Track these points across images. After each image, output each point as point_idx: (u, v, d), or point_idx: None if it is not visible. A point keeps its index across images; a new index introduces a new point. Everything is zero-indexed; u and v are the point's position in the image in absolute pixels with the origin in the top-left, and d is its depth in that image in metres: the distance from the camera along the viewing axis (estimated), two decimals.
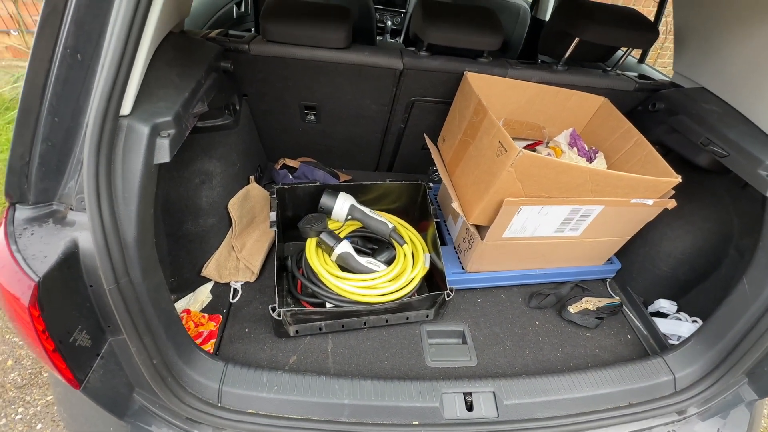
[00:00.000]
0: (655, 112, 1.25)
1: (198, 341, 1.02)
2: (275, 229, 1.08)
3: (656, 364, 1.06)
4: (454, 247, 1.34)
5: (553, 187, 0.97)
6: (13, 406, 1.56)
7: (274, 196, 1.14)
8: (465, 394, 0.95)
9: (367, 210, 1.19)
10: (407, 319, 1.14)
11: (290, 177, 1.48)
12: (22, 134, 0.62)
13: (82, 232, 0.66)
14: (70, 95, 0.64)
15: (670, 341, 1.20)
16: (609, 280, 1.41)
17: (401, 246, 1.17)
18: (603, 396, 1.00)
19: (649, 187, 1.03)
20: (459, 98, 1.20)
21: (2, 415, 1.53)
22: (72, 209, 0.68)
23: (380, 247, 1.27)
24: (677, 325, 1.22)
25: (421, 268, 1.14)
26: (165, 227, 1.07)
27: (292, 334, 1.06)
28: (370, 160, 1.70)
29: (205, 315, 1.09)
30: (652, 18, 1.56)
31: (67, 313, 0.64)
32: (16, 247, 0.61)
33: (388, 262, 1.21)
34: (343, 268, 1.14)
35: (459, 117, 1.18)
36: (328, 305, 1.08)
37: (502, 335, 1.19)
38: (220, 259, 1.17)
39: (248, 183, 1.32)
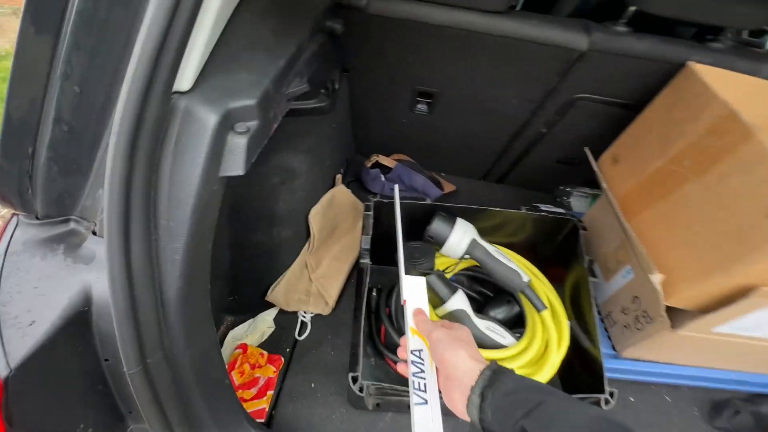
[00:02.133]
0: None
1: (251, 392, 0.78)
2: (368, 261, 0.78)
3: None
4: (599, 314, 0.94)
5: None
6: None
7: (370, 213, 0.84)
8: None
9: (491, 249, 0.85)
10: None
11: (382, 178, 1.18)
12: (18, 110, 0.37)
13: (101, 275, 0.41)
14: (101, 52, 0.38)
15: None
16: None
17: (538, 312, 0.81)
18: None
19: None
20: (667, 102, 0.78)
21: None
22: (95, 232, 0.43)
23: (495, 297, 0.92)
24: None
25: (565, 348, 0.78)
26: (230, 235, 0.83)
27: (370, 408, 0.78)
28: (480, 166, 1.34)
29: (264, 353, 0.85)
30: None
31: (60, 410, 0.40)
32: None
33: (508, 324, 0.87)
34: None
35: (663, 131, 0.76)
36: None
37: None
38: (290, 281, 0.91)
39: (334, 184, 1.05)
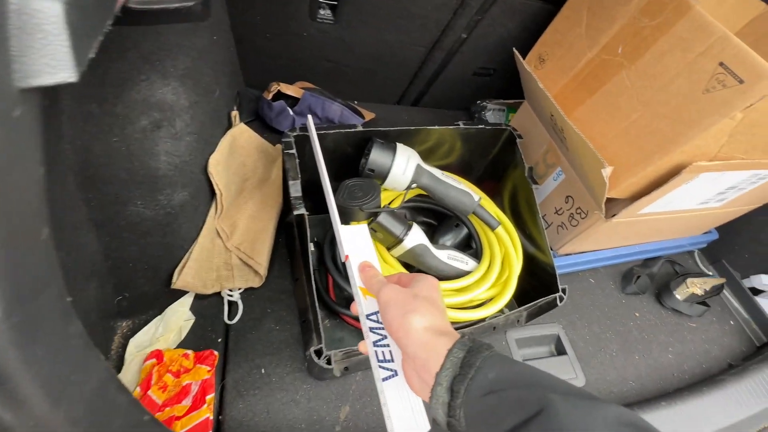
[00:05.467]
0: None
1: (184, 405, 0.60)
2: (303, 211, 0.62)
3: None
4: None
5: None
6: None
7: (293, 151, 0.66)
8: None
9: (438, 173, 0.76)
10: (494, 329, 0.80)
11: (290, 112, 0.97)
12: None
13: None
14: None
15: None
16: (697, 251, 1.17)
17: (492, 229, 0.77)
18: (750, 419, 0.78)
19: None
20: None
21: None
22: None
23: (442, 224, 0.87)
24: None
25: (521, 260, 0.77)
26: (90, 210, 0.57)
27: (338, 375, 0.68)
28: (395, 88, 1.20)
29: (189, 353, 0.66)
30: None
31: None
32: None
33: (459, 248, 0.83)
34: (406, 265, 0.74)
35: (591, 20, 0.73)
36: None
37: (603, 336, 0.91)
38: (201, 257, 0.70)
39: (230, 123, 0.80)
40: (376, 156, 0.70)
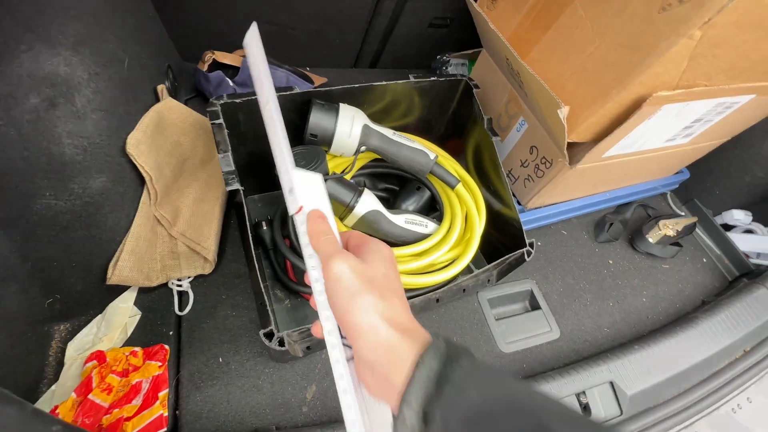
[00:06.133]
0: None
1: (134, 405, 0.56)
2: (238, 186, 0.56)
3: (761, 294, 0.86)
4: None
5: (744, 64, 0.56)
6: None
7: (219, 121, 0.59)
8: (577, 395, 0.67)
9: (388, 132, 0.70)
10: (464, 291, 0.78)
11: (230, 83, 0.88)
12: None
13: None
14: None
15: (752, 260, 1.01)
16: (670, 192, 1.15)
17: (452, 187, 0.73)
18: (721, 351, 0.79)
19: None
20: None
21: None
22: None
23: (403, 188, 0.82)
24: (759, 241, 1.02)
25: (484, 217, 0.74)
26: None
27: (301, 355, 0.65)
28: (347, 49, 1.12)
29: (137, 350, 0.61)
30: None
31: None
32: None
33: (424, 212, 0.79)
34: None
35: None
36: None
37: (577, 287, 0.89)
38: (139, 247, 0.64)
39: (158, 98, 0.72)
40: (317, 119, 0.63)
